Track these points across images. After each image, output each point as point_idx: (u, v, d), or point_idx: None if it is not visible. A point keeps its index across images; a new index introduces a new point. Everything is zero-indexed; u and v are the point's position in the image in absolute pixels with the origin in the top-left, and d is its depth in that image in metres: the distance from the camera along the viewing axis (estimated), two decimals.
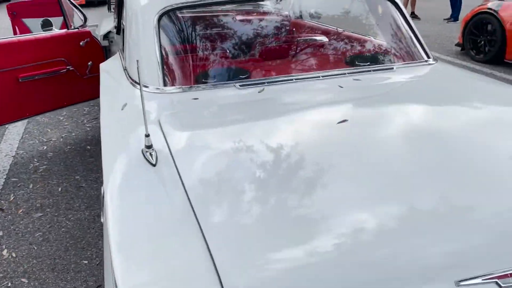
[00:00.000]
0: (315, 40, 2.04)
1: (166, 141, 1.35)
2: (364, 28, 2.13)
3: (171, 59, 1.86)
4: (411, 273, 0.87)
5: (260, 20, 2.15)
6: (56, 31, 3.31)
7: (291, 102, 1.59)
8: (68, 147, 3.48)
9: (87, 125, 3.90)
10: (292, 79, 1.77)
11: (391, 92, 1.67)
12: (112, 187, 1.20)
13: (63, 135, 3.70)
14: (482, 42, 5.81)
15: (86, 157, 3.29)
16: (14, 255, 2.23)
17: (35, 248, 2.28)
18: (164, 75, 1.77)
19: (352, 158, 1.21)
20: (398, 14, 2.11)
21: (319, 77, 1.79)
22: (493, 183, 1.09)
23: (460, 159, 1.19)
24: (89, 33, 3.37)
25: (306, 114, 1.48)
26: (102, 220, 1.44)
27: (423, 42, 2.07)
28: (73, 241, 2.32)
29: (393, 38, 2.07)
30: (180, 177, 1.17)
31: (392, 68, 1.89)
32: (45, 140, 3.63)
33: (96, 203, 2.67)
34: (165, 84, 1.74)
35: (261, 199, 1.07)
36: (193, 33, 1.98)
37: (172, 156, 1.27)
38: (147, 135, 1.24)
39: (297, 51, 1.97)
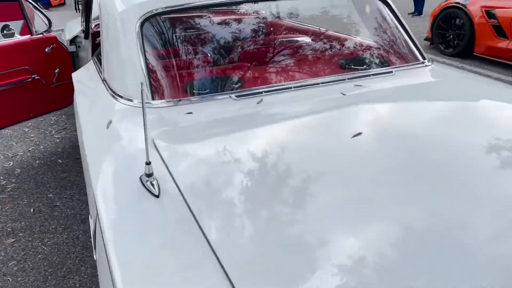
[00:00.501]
0: (311, 44, 1.94)
1: (166, 165, 1.21)
2: (358, 30, 2.05)
3: (158, 69, 1.71)
4: None
5: (252, 24, 2.02)
6: (18, 37, 3.06)
7: (295, 113, 1.48)
8: (37, 161, 3.23)
9: (56, 136, 3.66)
10: (290, 87, 1.65)
11: (396, 99, 1.58)
12: (110, 223, 1.05)
13: (30, 149, 3.45)
14: (451, 36, 5.89)
15: (57, 172, 3.07)
16: None
17: (10, 279, 2.07)
18: (151, 87, 1.61)
19: (370, 175, 1.12)
20: (391, 15, 2.04)
21: (318, 84, 1.69)
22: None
23: (482, 175, 1.11)
24: (54, 38, 3.14)
25: (314, 127, 1.37)
26: (95, 257, 1.28)
27: (417, 43, 2.01)
28: (52, 269, 2.12)
29: (388, 40, 1.99)
30: (189, 208, 1.04)
31: (391, 72, 1.81)
32: (10, 155, 3.36)
33: (73, 223, 2.48)
34: (153, 98, 1.59)
35: (282, 223, 0.97)
36: (181, 39, 1.83)
37: (176, 184, 1.13)
38: (148, 163, 1.10)
39: (293, 56, 1.85)
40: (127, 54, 1.68)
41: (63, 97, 3.34)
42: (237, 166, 1.19)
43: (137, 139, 1.39)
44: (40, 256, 2.23)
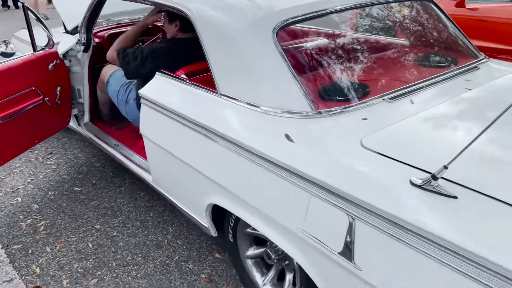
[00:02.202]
0: (418, 46, 2.13)
1: (412, 166, 1.29)
2: (429, 33, 2.29)
3: (307, 78, 1.73)
4: None
5: (384, 23, 2.11)
6: (19, 54, 2.67)
7: (467, 107, 1.65)
8: (50, 193, 2.86)
9: (49, 163, 3.25)
10: (423, 86, 1.82)
11: None
12: (421, 228, 1.11)
13: (28, 180, 3.02)
14: None
15: (84, 200, 2.77)
16: None
17: None
18: (309, 97, 1.64)
19: None
20: (443, 15, 2.32)
21: (440, 81, 1.88)
22: None
23: None
24: (56, 54, 2.81)
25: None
26: (354, 262, 1.28)
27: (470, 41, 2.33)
28: None
29: (454, 39, 2.27)
30: (500, 200, 1.12)
31: (477, 67, 2.09)
32: (9, 190, 2.91)
33: (150, 250, 2.30)
34: (315, 107, 1.62)
35: None
36: (318, 46, 1.86)
37: (453, 180, 1.21)
38: (446, 167, 1.16)
39: (415, 56, 2.03)
40: (271, 68, 1.67)
41: (63, 118, 3.01)
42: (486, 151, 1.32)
43: (345, 144, 1.43)
44: None
